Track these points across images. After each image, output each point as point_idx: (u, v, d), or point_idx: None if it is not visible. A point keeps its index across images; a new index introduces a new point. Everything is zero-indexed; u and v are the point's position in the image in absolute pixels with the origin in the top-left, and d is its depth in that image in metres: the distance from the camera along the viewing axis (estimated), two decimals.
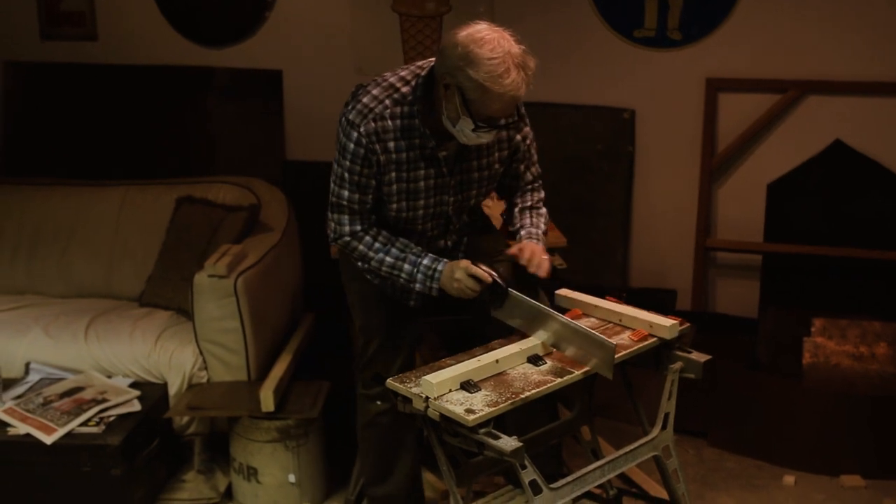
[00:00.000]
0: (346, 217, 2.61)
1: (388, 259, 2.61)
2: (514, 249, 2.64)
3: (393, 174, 2.55)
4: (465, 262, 2.55)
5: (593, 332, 2.40)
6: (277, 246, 3.79)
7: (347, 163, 2.53)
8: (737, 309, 4.50)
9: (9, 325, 3.71)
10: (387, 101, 2.50)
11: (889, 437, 3.55)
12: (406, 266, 2.60)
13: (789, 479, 3.55)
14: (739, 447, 3.75)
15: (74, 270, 4.18)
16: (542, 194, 2.85)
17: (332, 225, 2.65)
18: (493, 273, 2.52)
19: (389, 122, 2.49)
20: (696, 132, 4.40)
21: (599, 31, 4.44)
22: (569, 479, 2.32)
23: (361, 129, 2.48)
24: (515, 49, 2.38)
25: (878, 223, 4.18)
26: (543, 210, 2.82)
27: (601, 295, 2.78)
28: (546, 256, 2.61)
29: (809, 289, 4.27)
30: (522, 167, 2.78)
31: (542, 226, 2.77)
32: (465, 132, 2.45)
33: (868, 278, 4.18)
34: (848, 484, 3.52)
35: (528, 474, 2.19)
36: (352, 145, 2.50)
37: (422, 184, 2.59)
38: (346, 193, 2.57)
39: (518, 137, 2.69)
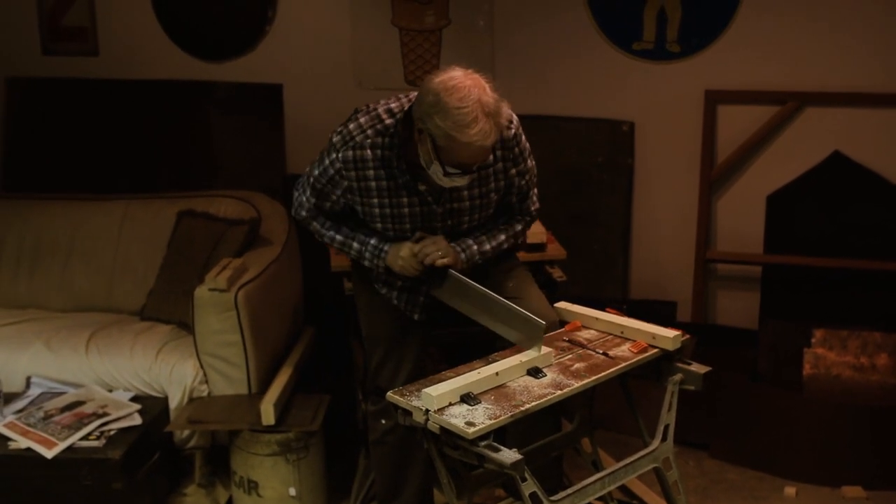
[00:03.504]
0: (305, 204, 2.77)
1: (338, 237, 2.76)
2: (416, 236, 2.68)
3: (375, 200, 2.63)
4: (409, 243, 2.65)
5: (523, 310, 2.47)
6: (278, 259, 3.80)
7: (316, 172, 2.67)
8: (737, 320, 4.50)
9: (10, 339, 3.71)
10: (369, 132, 2.57)
11: (890, 448, 3.54)
12: (356, 245, 2.74)
13: (791, 490, 3.55)
14: (740, 459, 3.75)
15: (75, 285, 4.19)
16: (519, 227, 2.84)
17: (294, 200, 2.83)
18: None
19: (369, 152, 2.56)
20: (695, 144, 4.41)
21: (598, 44, 4.45)
22: (569, 491, 2.32)
23: (339, 155, 2.59)
24: (487, 98, 2.37)
25: (878, 234, 4.19)
26: (503, 236, 2.80)
27: (601, 307, 2.79)
28: (441, 254, 2.63)
29: (810, 300, 4.27)
30: (515, 199, 2.79)
31: (488, 246, 2.76)
32: (438, 176, 2.50)
33: (868, 289, 4.19)
34: (849, 495, 3.51)
35: (529, 487, 2.18)
36: (326, 161, 2.63)
37: (406, 210, 2.65)
38: (308, 191, 2.74)
39: (514, 171, 2.69)
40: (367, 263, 2.74)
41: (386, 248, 2.69)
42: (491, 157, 2.60)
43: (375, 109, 2.61)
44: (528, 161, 2.73)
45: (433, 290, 2.72)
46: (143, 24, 4.81)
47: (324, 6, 4.70)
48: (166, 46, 4.82)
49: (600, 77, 4.50)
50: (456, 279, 2.64)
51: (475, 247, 2.74)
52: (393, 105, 2.62)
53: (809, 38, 4.20)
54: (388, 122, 2.58)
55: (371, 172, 2.58)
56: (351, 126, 2.60)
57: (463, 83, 2.37)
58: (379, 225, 2.69)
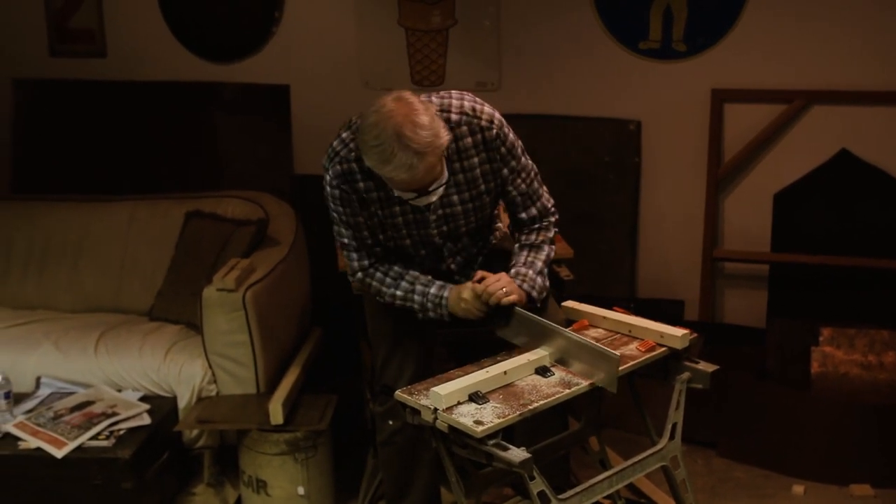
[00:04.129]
0: (354, 254, 2.71)
1: (398, 293, 2.70)
2: (476, 276, 2.64)
3: (371, 208, 2.63)
4: (471, 284, 2.60)
5: (598, 344, 2.41)
6: (285, 260, 3.81)
7: (331, 204, 2.64)
8: (744, 319, 4.50)
9: (20, 339, 3.73)
10: (352, 145, 2.55)
11: None
12: (416, 297, 2.68)
13: (798, 489, 3.55)
14: (748, 457, 3.75)
15: (84, 285, 4.21)
16: (551, 233, 2.80)
17: (346, 262, 2.77)
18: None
19: (355, 165, 2.55)
20: (702, 143, 4.41)
21: (604, 43, 4.46)
22: (577, 489, 2.32)
23: (330, 172, 2.59)
24: (409, 130, 2.31)
25: (885, 232, 4.19)
26: (546, 248, 2.77)
27: (608, 306, 2.79)
28: (507, 289, 2.57)
29: (817, 298, 4.27)
30: (517, 194, 2.74)
31: (539, 263, 2.73)
32: (406, 197, 2.51)
33: (875, 287, 4.18)
34: (857, 493, 3.51)
35: (537, 485, 2.19)
36: (328, 188, 2.61)
37: (399, 219, 2.65)
38: (343, 231, 2.68)
39: (505, 171, 2.66)
40: (431, 315, 2.68)
41: (445, 294, 2.64)
42: (476, 158, 2.59)
43: (357, 123, 2.58)
44: (522, 159, 2.70)
45: (499, 330, 2.63)
46: (150, 26, 4.83)
47: (330, 7, 4.70)
48: (173, 48, 4.83)
49: (607, 76, 4.50)
50: (523, 316, 2.56)
51: (530, 272, 2.69)
52: None
53: (816, 36, 4.19)
54: None
55: (361, 185, 2.57)
56: (335, 143, 2.59)
57: (380, 118, 2.33)
58: (380, 236, 2.70)
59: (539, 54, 4.54)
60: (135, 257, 4.20)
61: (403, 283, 2.69)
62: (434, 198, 2.52)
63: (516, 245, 2.80)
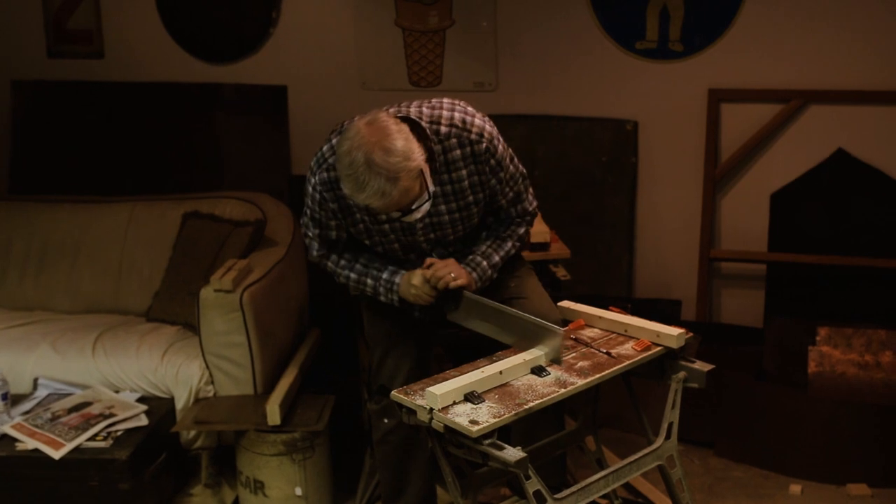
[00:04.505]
0: (315, 243, 2.79)
1: (352, 275, 2.77)
2: (426, 262, 2.67)
3: (357, 215, 2.65)
4: (420, 270, 2.64)
5: (539, 319, 2.47)
6: (283, 260, 3.81)
7: (308, 200, 2.69)
8: (742, 319, 4.50)
9: (17, 340, 3.73)
10: None
11: (895, 446, 3.54)
12: (369, 281, 2.75)
13: (796, 488, 3.55)
14: (746, 457, 3.75)
15: (82, 286, 4.21)
16: (522, 230, 2.83)
17: (306, 244, 2.85)
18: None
19: None
20: (699, 143, 4.42)
21: (601, 43, 4.46)
22: (573, 489, 2.33)
23: (316, 178, 2.61)
24: (379, 156, 2.31)
25: (882, 231, 4.19)
26: (509, 243, 2.79)
27: (605, 306, 2.79)
28: (454, 274, 2.61)
29: (814, 298, 4.27)
30: (506, 204, 2.76)
31: (496, 258, 2.75)
32: (393, 216, 2.53)
33: (872, 286, 4.19)
34: (854, 493, 3.51)
35: (533, 485, 2.19)
36: (309, 188, 2.65)
37: (386, 226, 2.67)
38: (311, 225, 2.75)
39: (493, 181, 2.65)
40: (382, 299, 2.74)
41: (397, 279, 2.69)
42: (464, 171, 2.59)
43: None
44: (511, 167, 2.70)
45: (449, 314, 2.69)
46: (147, 27, 4.83)
47: (327, 8, 4.71)
48: (171, 49, 4.84)
49: (604, 77, 4.50)
50: (470, 299, 2.62)
51: (484, 262, 2.72)
52: None
53: (813, 35, 4.20)
54: None
55: None
56: (324, 148, 2.61)
57: (352, 146, 2.34)
58: (367, 241, 2.72)
59: (536, 55, 4.55)
60: (132, 258, 4.20)
61: (357, 266, 2.76)
62: (419, 215, 2.52)
63: (484, 232, 2.82)
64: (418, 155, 2.39)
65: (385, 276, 2.71)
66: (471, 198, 2.66)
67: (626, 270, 4.60)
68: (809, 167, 4.29)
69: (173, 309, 3.89)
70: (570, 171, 4.55)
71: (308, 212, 2.72)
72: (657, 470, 2.59)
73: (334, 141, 2.57)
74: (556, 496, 2.26)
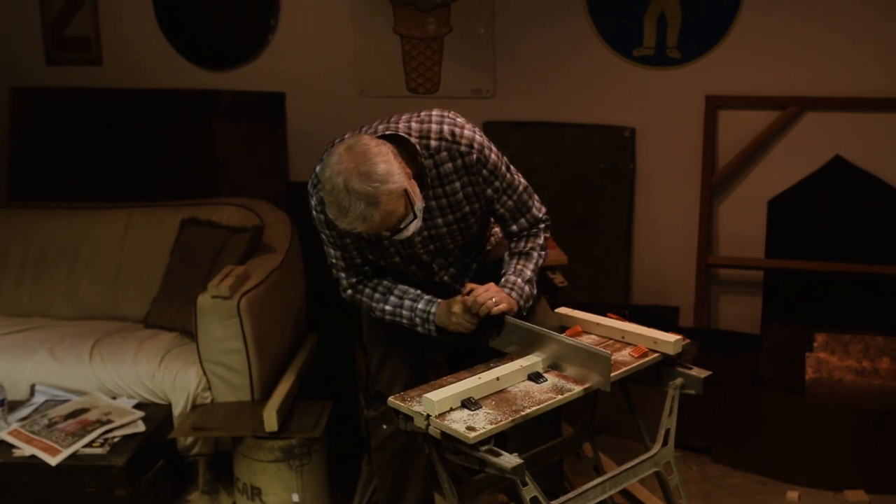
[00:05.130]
0: (342, 273, 2.75)
1: (387, 308, 2.72)
2: (466, 288, 2.63)
3: (355, 233, 2.60)
4: (460, 298, 2.61)
5: (588, 345, 2.42)
6: (280, 267, 3.81)
7: (318, 227, 2.67)
8: (739, 325, 4.51)
9: (14, 347, 3.73)
10: None
11: (893, 452, 3.54)
12: (405, 312, 2.70)
13: (793, 494, 3.55)
14: (743, 463, 3.75)
15: (79, 293, 4.21)
16: (541, 239, 2.80)
17: (337, 281, 2.79)
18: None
19: None
20: (696, 149, 4.42)
21: (599, 50, 4.47)
22: (570, 495, 2.33)
23: (315, 198, 2.60)
24: (358, 182, 2.30)
25: (879, 238, 4.20)
26: (535, 255, 2.77)
27: (603, 312, 2.79)
28: (496, 299, 2.58)
29: (811, 304, 4.28)
30: (503, 211, 2.73)
31: (528, 272, 2.73)
32: (384, 235, 2.51)
33: (869, 293, 4.19)
34: (852, 499, 3.51)
35: (530, 491, 2.19)
36: (314, 212, 2.64)
37: (386, 242, 2.65)
38: (331, 251, 2.72)
39: (489, 191, 2.64)
40: (420, 330, 2.69)
41: (433, 309, 2.65)
42: (458, 183, 2.58)
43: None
44: (507, 175, 2.67)
45: (491, 341, 2.63)
46: (146, 34, 4.84)
47: (325, 15, 4.72)
48: (169, 56, 4.84)
49: (601, 83, 4.51)
50: (514, 325, 2.57)
51: (519, 280, 2.69)
52: None
53: (810, 42, 4.21)
54: None
55: None
56: (318, 168, 2.57)
57: (332, 172, 2.33)
58: (370, 256, 2.71)
59: (534, 61, 4.56)
60: (130, 265, 4.20)
61: (392, 298, 2.71)
62: (409, 233, 2.49)
63: (506, 253, 2.80)
64: (399, 177, 2.35)
65: (420, 306, 2.67)
66: (467, 209, 2.65)
67: (623, 277, 4.60)
68: (807, 174, 4.30)
69: (171, 315, 3.89)
70: (567, 178, 4.56)
71: (324, 237, 2.69)
72: (654, 476, 2.59)
73: (320, 172, 2.55)
74: (553, 503, 2.26)
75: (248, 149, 4.83)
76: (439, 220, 2.64)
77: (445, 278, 2.80)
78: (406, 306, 2.69)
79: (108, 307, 4.19)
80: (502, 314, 2.58)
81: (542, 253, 2.80)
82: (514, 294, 2.65)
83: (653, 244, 4.59)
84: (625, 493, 3.42)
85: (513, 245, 2.79)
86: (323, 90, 4.75)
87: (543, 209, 2.82)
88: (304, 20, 4.73)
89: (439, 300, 2.66)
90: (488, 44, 4.58)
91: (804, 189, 4.30)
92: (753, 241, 4.42)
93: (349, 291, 2.76)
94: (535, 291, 2.74)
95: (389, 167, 2.34)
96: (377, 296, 2.73)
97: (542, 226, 2.81)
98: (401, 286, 2.72)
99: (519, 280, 2.69)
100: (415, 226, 2.49)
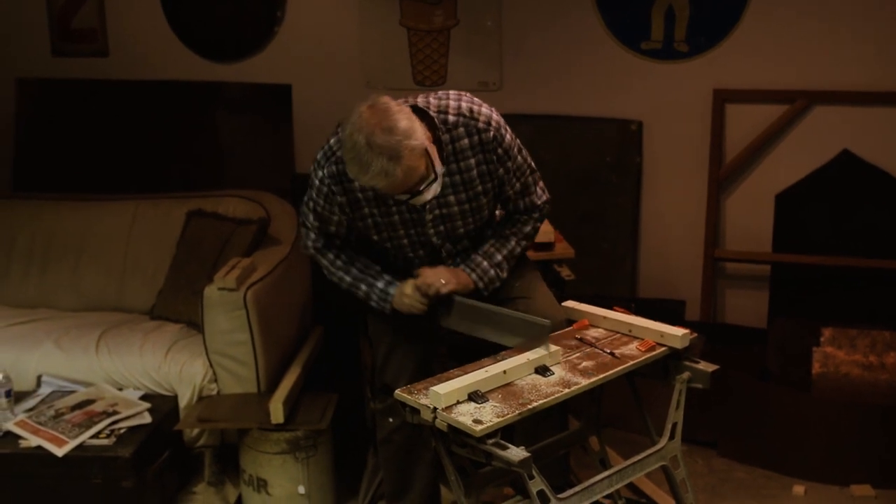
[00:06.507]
0: (311, 233, 2.80)
1: (347, 278, 2.78)
2: (416, 272, 2.69)
3: (366, 209, 2.65)
4: (411, 280, 2.67)
5: (525, 314, 2.50)
6: (286, 259, 3.81)
7: (314, 193, 2.69)
8: (746, 319, 4.50)
9: (21, 338, 3.73)
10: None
11: None
12: (363, 286, 2.76)
13: (799, 489, 3.55)
14: (749, 457, 3.75)
15: (86, 284, 4.21)
16: (529, 227, 2.83)
17: (302, 233, 2.86)
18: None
19: None
20: (703, 143, 4.41)
21: (606, 43, 4.46)
22: (577, 489, 2.33)
23: (325, 171, 2.61)
24: (380, 137, 2.32)
25: (887, 232, 4.18)
26: (512, 241, 2.80)
27: (609, 305, 2.79)
28: (444, 279, 2.64)
29: (818, 299, 4.26)
30: (512, 193, 2.76)
31: (498, 256, 2.76)
32: (402, 199, 2.53)
33: (877, 288, 4.18)
34: (858, 493, 3.51)
35: (536, 484, 2.19)
36: (316, 182, 2.65)
37: (396, 218, 2.66)
38: (310, 216, 2.76)
39: (501, 171, 2.67)
40: (374, 305, 2.76)
41: (392, 290, 2.71)
42: (473, 160, 2.60)
43: None
44: (518, 157, 2.71)
45: (443, 321, 2.70)
46: (152, 26, 4.83)
47: (332, 7, 4.71)
48: (176, 47, 4.84)
49: (608, 77, 4.50)
50: (462, 304, 2.64)
51: (485, 263, 2.73)
52: None
53: (818, 36, 4.19)
54: None
55: (356, 184, 2.57)
56: (332, 141, 2.61)
57: (354, 129, 2.35)
58: (375, 237, 2.72)
59: (541, 54, 4.55)
60: (136, 256, 4.20)
61: (353, 270, 2.76)
62: (429, 196, 2.52)
63: (490, 230, 2.82)
64: (421, 134, 2.40)
65: (380, 285, 2.73)
66: (479, 188, 2.66)
67: (630, 270, 4.60)
68: (814, 168, 4.28)
69: (177, 307, 3.89)
70: (574, 171, 4.55)
71: (311, 204, 2.72)
72: (661, 470, 2.59)
73: (342, 134, 2.58)
74: (559, 496, 2.26)
75: (254, 141, 4.83)
76: (452, 198, 2.65)
77: (451, 263, 2.80)
78: (366, 282, 2.74)
79: (114, 299, 4.19)
80: (452, 293, 2.64)
81: (523, 242, 2.82)
82: (473, 275, 2.70)
83: (659, 238, 4.59)
84: (631, 486, 3.42)
85: (496, 225, 2.82)
86: (329, 82, 4.75)
87: (545, 197, 2.84)
88: (310, 12, 4.72)
89: (398, 283, 2.71)
90: (495, 36, 4.57)
91: (812, 183, 4.29)
92: (760, 235, 4.41)
93: (311, 251, 2.83)
94: (503, 275, 2.77)
95: (412, 124, 2.39)
96: (339, 263, 2.78)
97: (536, 214, 2.82)
98: (364, 259, 2.77)
99: (485, 263, 2.73)
100: (435, 189, 2.51)
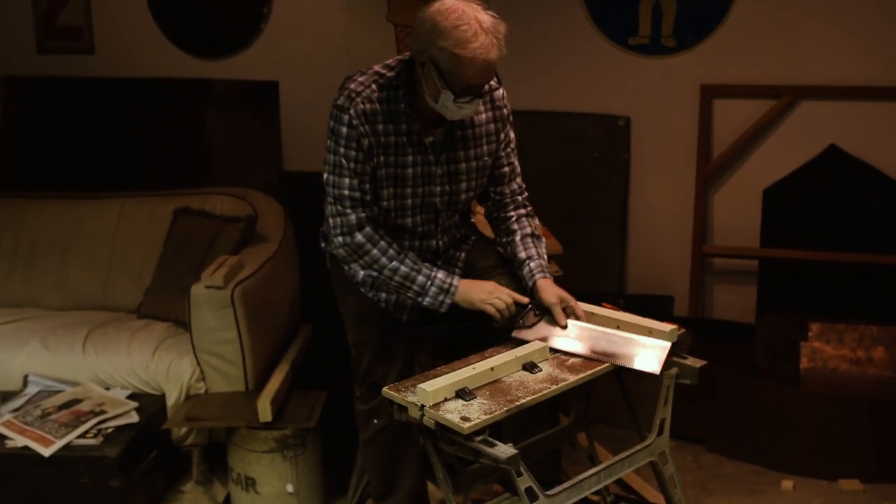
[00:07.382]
0: (350, 209, 2.56)
1: (402, 268, 2.60)
2: (554, 299, 2.66)
3: (381, 158, 2.55)
4: (497, 283, 2.67)
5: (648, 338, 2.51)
6: (274, 256, 3.80)
7: (342, 149, 2.53)
8: (734, 315, 4.51)
9: (7, 337, 3.71)
10: (373, 86, 2.53)
11: (887, 441, 3.55)
12: (420, 278, 2.61)
13: (788, 484, 3.55)
14: (738, 453, 3.75)
15: (72, 283, 4.19)
16: (537, 221, 2.86)
17: (338, 222, 2.59)
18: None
19: (377, 105, 2.52)
20: (691, 138, 4.41)
21: (594, 39, 4.45)
22: (565, 485, 2.32)
23: (352, 111, 2.50)
24: (483, 16, 2.40)
25: (874, 227, 4.20)
26: (543, 240, 2.85)
27: (598, 302, 2.79)
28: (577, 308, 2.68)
29: (806, 294, 4.28)
30: (507, 170, 2.79)
31: (546, 256, 2.80)
32: (448, 106, 2.47)
33: (864, 282, 4.19)
34: (846, 488, 3.52)
35: (525, 481, 2.19)
36: (344, 129, 2.51)
37: (409, 170, 2.59)
38: (346, 181, 2.54)
39: (502, 135, 2.73)
40: (427, 301, 2.62)
41: (455, 282, 2.62)
42: (484, 115, 2.65)
43: (371, 69, 2.58)
44: (511, 132, 2.77)
45: (517, 331, 2.65)
46: (138, 23, 4.81)
47: (319, 3, 4.70)
48: (162, 44, 4.82)
49: (596, 72, 4.50)
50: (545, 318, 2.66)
51: (543, 262, 2.76)
52: (389, 62, 2.61)
53: (805, 31, 4.20)
54: (389, 75, 2.56)
55: (381, 126, 2.51)
56: (352, 86, 2.54)
57: (456, 5, 2.40)
58: (383, 191, 2.59)
59: (528, 50, 4.54)
60: (123, 255, 4.18)
61: (408, 261, 2.61)
62: (476, 106, 2.51)
63: (517, 236, 2.80)
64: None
65: (440, 276, 2.62)
66: (485, 147, 2.69)
67: (618, 266, 4.60)
68: (802, 163, 4.29)
69: (164, 305, 3.87)
70: (562, 167, 4.55)
71: (344, 163, 2.53)
72: (649, 466, 2.59)
73: (362, 79, 2.55)
74: (547, 493, 2.25)
75: (242, 138, 4.81)
76: (461, 154, 2.65)
77: (440, 244, 2.77)
78: (423, 273, 2.60)
79: (100, 297, 4.17)
80: (527, 304, 2.66)
81: (537, 231, 2.86)
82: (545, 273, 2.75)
83: (648, 233, 4.59)
84: (620, 482, 3.42)
85: (516, 225, 2.81)
86: (316, 79, 4.72)
87: (524, 186, 2.90)
88: (296, 8, 4.71)
89: (458, 276, 2.67)
90: None
91: (799, 178, 4.30)
92: (748, 230, 4.42)
93: (359, 237, 2.58)
94: (547, 264, 2.81)
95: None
96: (392, 252, 2.59)
97: (530, 207, 2.86)
98: (412, 254, 2.66)
99: (543, 262, 2.78)
100: (499, 92, 2.63)
